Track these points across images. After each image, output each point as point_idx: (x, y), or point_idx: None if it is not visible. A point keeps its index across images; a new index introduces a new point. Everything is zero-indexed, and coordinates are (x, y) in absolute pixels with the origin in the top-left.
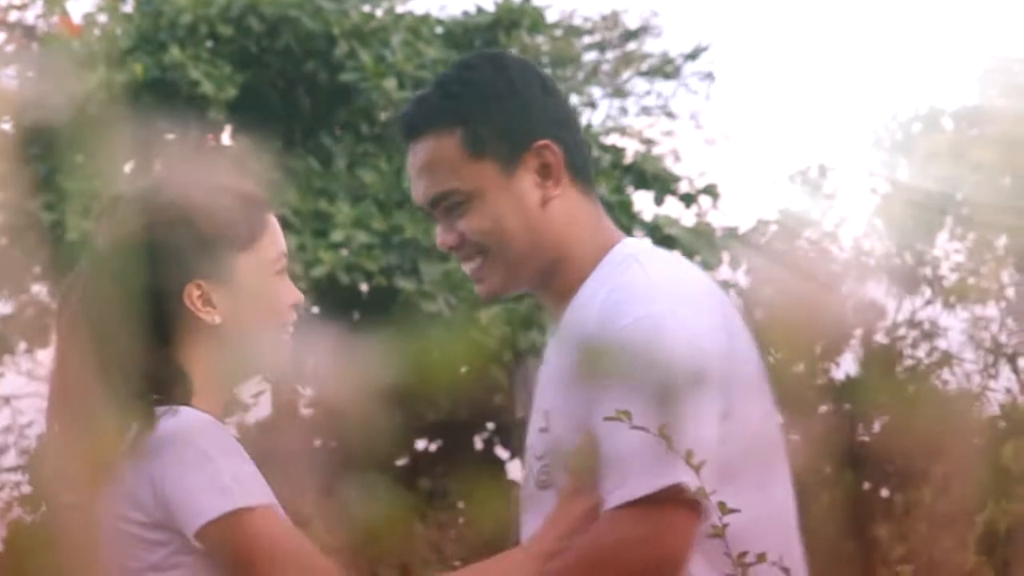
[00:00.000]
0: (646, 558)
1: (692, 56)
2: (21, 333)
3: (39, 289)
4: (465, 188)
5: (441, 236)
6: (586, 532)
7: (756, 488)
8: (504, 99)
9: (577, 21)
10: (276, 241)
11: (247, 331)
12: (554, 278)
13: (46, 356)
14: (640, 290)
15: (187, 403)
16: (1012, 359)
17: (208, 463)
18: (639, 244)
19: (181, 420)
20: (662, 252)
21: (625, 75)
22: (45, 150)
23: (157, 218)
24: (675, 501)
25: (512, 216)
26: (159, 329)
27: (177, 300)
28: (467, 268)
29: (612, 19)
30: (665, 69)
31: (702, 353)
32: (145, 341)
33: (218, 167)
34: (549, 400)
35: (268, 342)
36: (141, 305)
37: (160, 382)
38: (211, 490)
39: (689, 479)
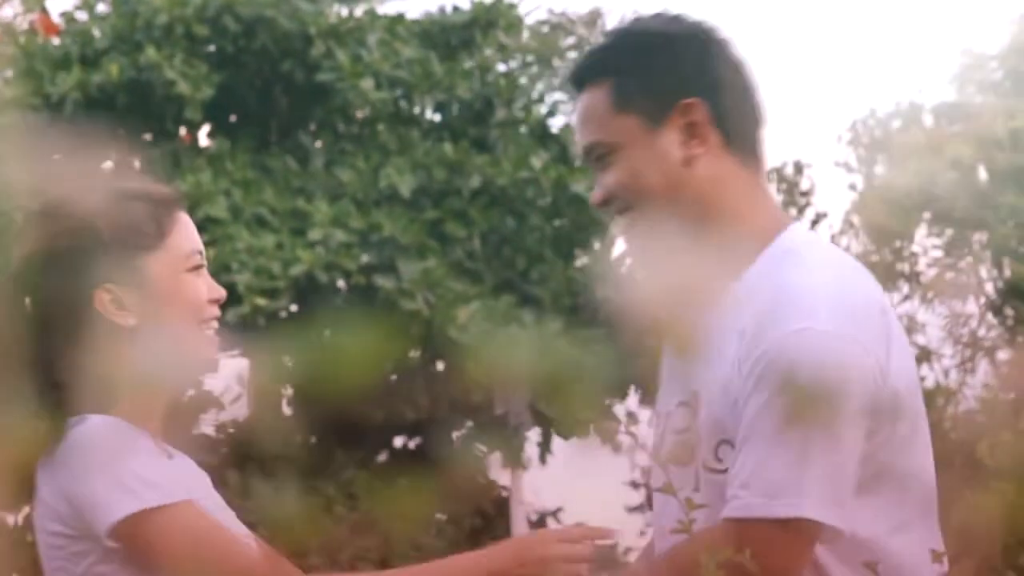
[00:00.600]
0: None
1: None
2: None
3: None
4: (608, 140)
5: (595, 192)
6: (706, 534)
7: (894, 508)
8: (655, 54)
9: (560, 20)
10: (188, 238)
11: (164, 331)
12: (714, 244)
13: None
14: (802, 297)
15: (105, 410)
16: (990, 354)
17: (112, 466)
18: (805, 235)
19: (86, 426)
20: (826, 249)
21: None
22: (20, 150)
23: (60, 227)
24: (806, 531)
25: (652, 171)
26: (74, 337)
27: (88, 306)
28: (617, 223)
29: (592, 17)
30: None
31: (856, 375)
32: (60, 351)
33: (126, 172)
34: (699, 381)
35: (189, 340)
36: (54, 315)
37: (77, 391)
38: (116, 492)
39: (823, 515)
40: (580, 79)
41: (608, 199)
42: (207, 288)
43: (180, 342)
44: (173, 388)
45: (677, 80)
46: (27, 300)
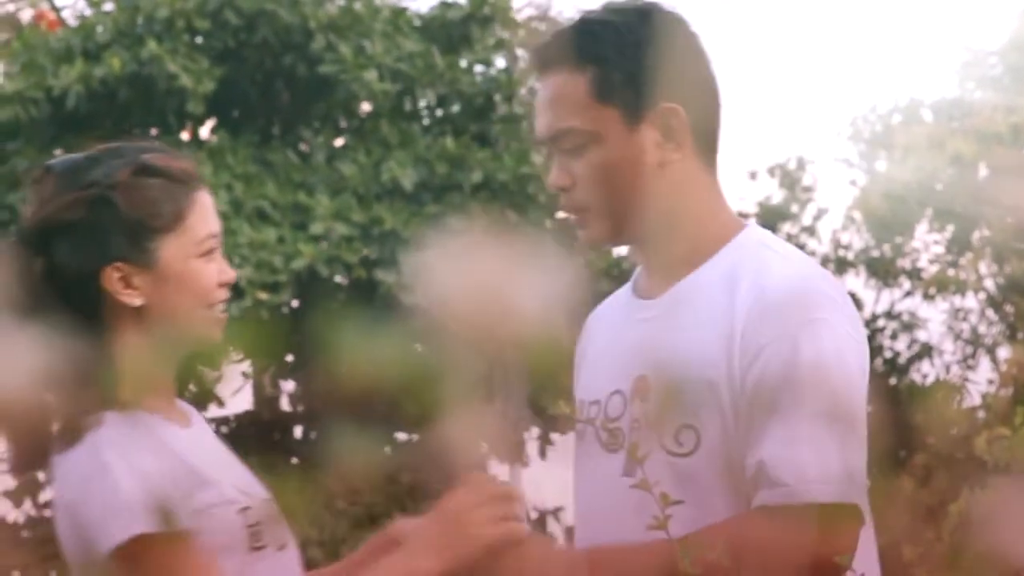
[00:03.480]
0: (820, 560)
1: None
2: None
3: None
4: (586, 128)
5: (554, 175)
6: (751, 521)
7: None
8: (641, 48)
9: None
10: (204, 220)
11: (171, 313)
12: (663, 244)
13: None
14: (806, 288)
15: (111, 392)
16: (991, 350)
17: (116, 485)
18: (766, 233)
19: (97, 438)
20: (791, 247)
21: None
22: (24, 144)
23: (79, 196)
24: (854, 517)
25: (625, 168)
26: (78, 312)
27: (95, 282)
28: (571, 212)
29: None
30: None
31: (864, 365)
32: (65, 324)
33: (148, 146)
34: (647, 366)
35: (196, 323)
36: (59, 286)
37: (81, 367)
38: (117, 513)
39: (863, 501)
40: (549, 61)
41: (570, 187)
42: (218, 271)
43: (185, 324)
44: (170, 371)
45: (662, 80)
46: (34, 265)
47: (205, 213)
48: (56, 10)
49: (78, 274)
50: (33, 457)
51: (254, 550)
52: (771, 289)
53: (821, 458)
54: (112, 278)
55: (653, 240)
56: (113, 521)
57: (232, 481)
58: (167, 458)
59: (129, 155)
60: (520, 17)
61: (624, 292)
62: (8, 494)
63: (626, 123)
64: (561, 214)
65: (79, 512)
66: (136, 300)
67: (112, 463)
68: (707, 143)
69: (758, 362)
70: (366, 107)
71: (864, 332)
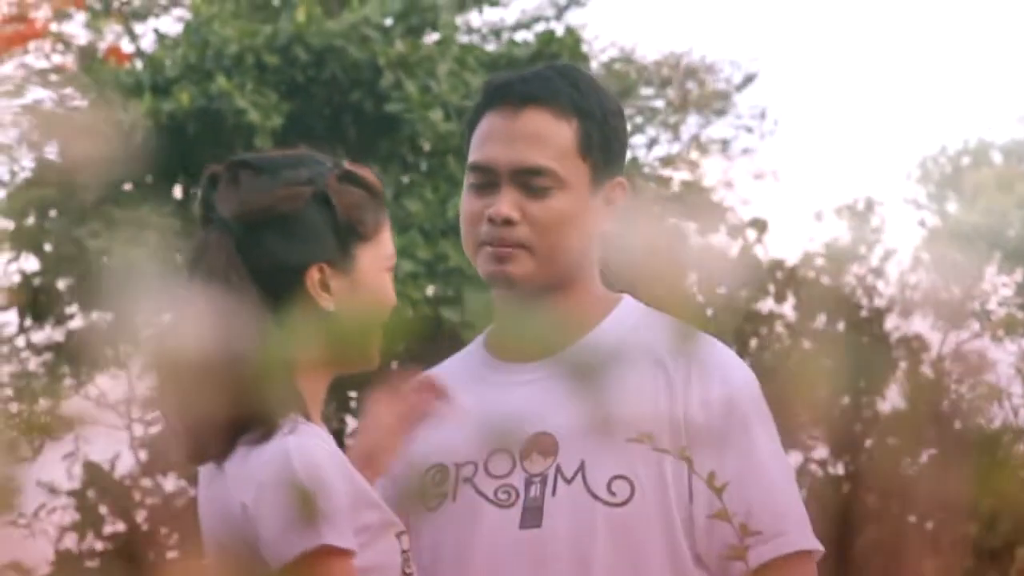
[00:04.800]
0: None
1: (741, 86)
2: (68, 361)
3: (86, 317)
4: (562, 175)
5: (506, 206)
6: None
7: None
8: (614, 117)
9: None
10: (390, 236)
11: (354, 322)
12: (563, 303)
13: (109, 383)
14: (721, 347)
15: (289, 392)
16: None
17: (319, 496)
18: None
19: (290, 448)
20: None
21: (681, 114)
22: (93, 178)
23: (297, 191)
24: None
25: (579, 224)
26: (272, 306)
27: (297, 280)
28: (499, 246)
29: (673, 59)
30: (719, 106)
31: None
32: (256, 316)
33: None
34: (551, 422)
35: (369, 339)
36: (261, 277)
37: (266, 361)
38: (298, 526)
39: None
40: (535, 97)
41: (517, 222)
42: (392, 290)
43: (364, 342)
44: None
45: (621, 153)
46: (237, 255)
47: (389, 229)
48: (136, 44)
49: (284, 268)
50: (211, 448)
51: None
52: (700, 354)
53: (788, 506)
54: (314, 278)
55: (554, 296)
56: (293, 532)
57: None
58: (345, 473)
59: (326, 161)
60: (603, 58)
61: (475, 356)
62: (74, 527)
63: (592, 182)
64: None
65: (255, 516)
66: (331, 304)
67: (301, 473)
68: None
69: (725, 417)
70: (432, 145)
71: None
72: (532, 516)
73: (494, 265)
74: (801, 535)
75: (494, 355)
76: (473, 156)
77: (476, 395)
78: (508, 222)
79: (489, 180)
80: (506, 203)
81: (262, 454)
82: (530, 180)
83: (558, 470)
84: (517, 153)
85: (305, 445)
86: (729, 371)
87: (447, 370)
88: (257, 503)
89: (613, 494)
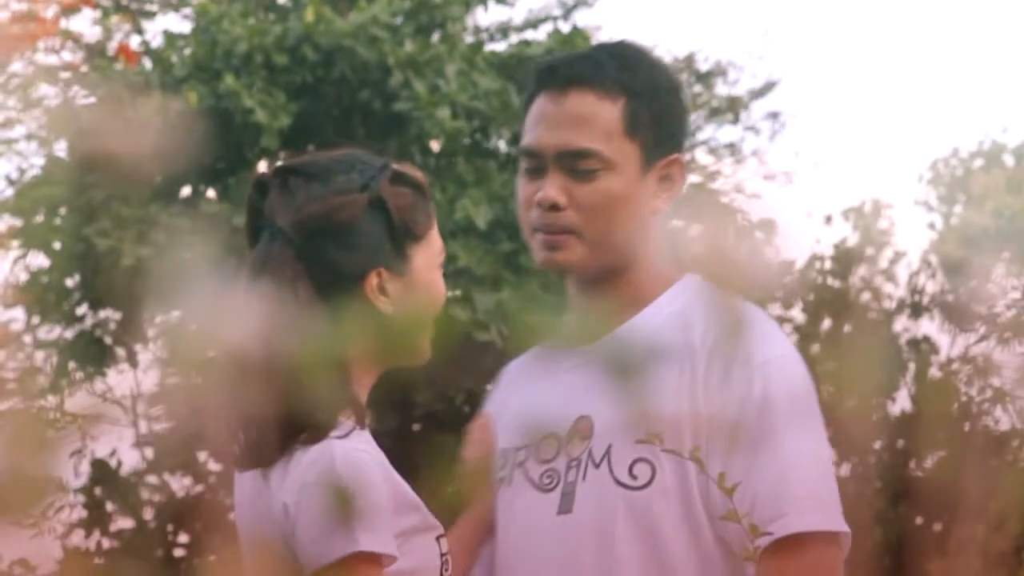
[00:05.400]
0: None
1: (760, 93)
2: (78, 358)
3: (94, 315)
4: (609, 156)
5: (553, 192)
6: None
7: None
8: (667, 94)
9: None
10: (438, 234)
11: (410, 323)
12: (617, 286)
13: (117, 380)
14: (762, 328)
15: (342, 399)
16: None
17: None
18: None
19: (335, 451)
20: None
21: (694, 116)
22: (101, 176)
23: (354, 198)
24: (840, 543)
25: (629, 206)
26: (330, 311)
27: (356, 285)
28: (551, 233)
29: (687, 61)
30: (733, 111)
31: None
32: (312, 321)
33: (377, 155)
34: (591, 407)
35: (422, 334)
36: (321, 285)
37: (324, 370)
38: (336, 530)
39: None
40: (582, 79)
41: (564, 207)
42: (443, 287)
43: (418, 338)
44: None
45: (678, 130)
46: (295, 264)
47: (437, 228)
48: (146, 43)
49: (344, 275)
50: (266, 453)
51: None
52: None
53: (807, 487)
54: (372, 283)
55: (612, 280)
56: (334, 534)
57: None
58: (389, 477)
59: (376, 162)
60: None
61: (538, 350)
62: (81, 524)
63: (642, 162)
64: None
65: (295, 517)
66: (389, 307)
67: (343, 475)
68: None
69: (742, 402)
70: (439, 145)
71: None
72: (567, 501)
73: (545, 252)
74: (799, 517)
75: (552, 346)
76: (523, 141)
77: (538, 380)
78: (555, 207)
79: (538, 164)
80: (552, 188)
81: (308, 455)
82: (576, 163)
83: (589, 454)
84: (561, 136)
85: (350, 449)
86: (768, 368)
87: (519, 359)
88: (298, 504)
89: (635, 478)
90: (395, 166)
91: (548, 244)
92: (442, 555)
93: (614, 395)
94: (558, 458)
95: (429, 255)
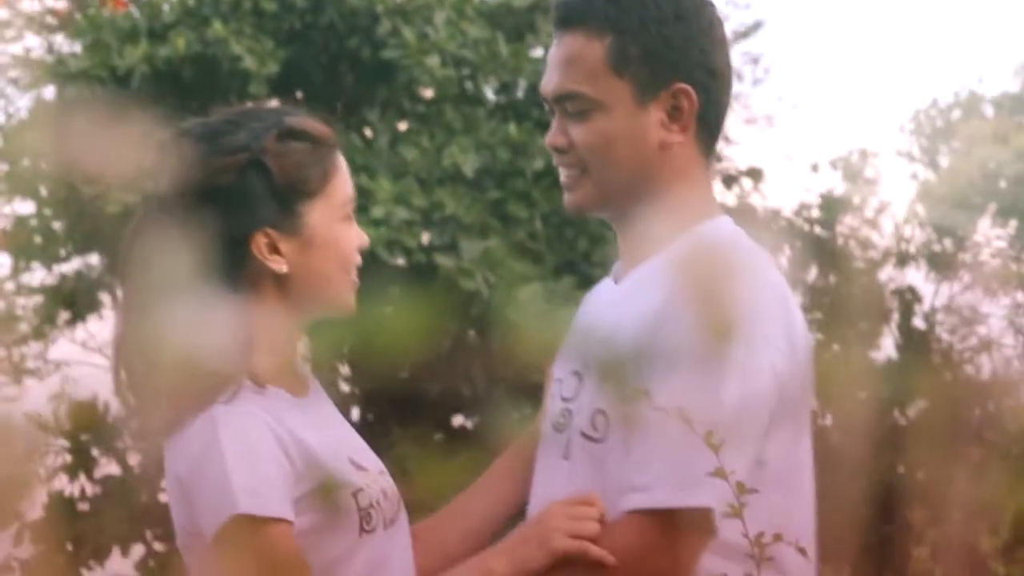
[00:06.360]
0: (659, 568)
1: (744, 35)
2: (63, 304)
3: (80, 261)
4: (594, 97)
5: (552, 135)
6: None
7: (789, 469)
8: (662, 25)
9: None
10: (345, 184)
11: (314, 280)
12: (640, 224)
13: (98, 326)
14: (739, 298)
15: (244, 362)
16: None
17: (225, 468)
18: (727, 229)
19: (218, 417)
20: (748, 248)
21: None
22: (86, 123)
23: (229, 161)
24: (699, 519)
25: (627, 144)
26: (223, 280)
27: (242, 249)
28: (563, 174)
29: None
30: None
31: (766, 383)
32: (204, 291)
33: (284, 109)
34: (590, 352)
35: (336, 290)
36: (206, 253)
37: (220, 336)
38: (224, 494)
39: (716, 501)
40: (569, 20)
41: (566, 148)
42: (356, 236)
43: (325, 291)
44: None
45: (679, 60)
46: (179, 233)
47: (345, 176)
48: None
49: (226, 241)
50: (158, 425)
51: (364, 533)
52: (701, 296)
53: (678, 461)
54: (260, 244)
55: (633, 219)
56: (218, 501)
57: (348, 455)
58: (286, 438)
59: (269, 118)
60: None
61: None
62: (65, 469)
63: (636, 99)
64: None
65: (188, 488)
66: (283, 267)
67: (225, 442)
68: (710, 130)
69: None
70: (430, 92)
71: (794, 343)
72: (569, 447)
73: (565, 195)
74: (673, 495)
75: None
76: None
77: (586, 314)
78: (558, 150)
79: (550, 108)
80: (553, 131)
81: (194, 425)
82: (567, 106)
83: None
84: (553, 81)
85: (234, 413)
86: (721, 294)
87: (600, 283)
88: (189, 475)
89: (595, 429)
90: (289, 121)
91: (565, 186)
92: (360, 509)
93: (596, 338)
94: (576, 398)
95: (328, 209)
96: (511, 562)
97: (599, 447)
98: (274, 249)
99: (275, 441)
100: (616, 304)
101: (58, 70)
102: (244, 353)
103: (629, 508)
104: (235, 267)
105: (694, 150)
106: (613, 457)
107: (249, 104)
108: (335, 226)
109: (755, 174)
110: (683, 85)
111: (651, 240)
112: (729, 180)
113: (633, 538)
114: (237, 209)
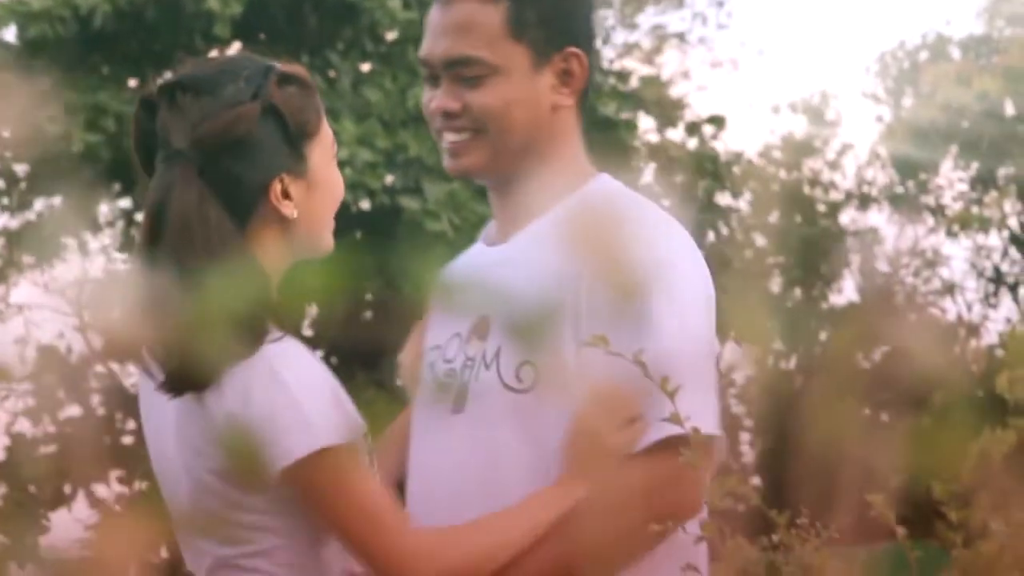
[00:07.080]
0: (673, 500)
1: None
2: (28, 248)
3: (45, 202)
4: (492, 62)
5: (442, 99)
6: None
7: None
8: None
9: None
10: (327, 125)
11: (313, 221)
12: (525, 186)
13: (62, 270)
14: (651, 258)
15: (264, 310)
16: (1013, 288)
17: (293, 397)
18: (617, 185)
19: (271, 355)
20: (632, 195)
21: (638, 3)
22: (50, 62)
23: (241, 111)
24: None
25: (524, 107)
26: (247, 230)
27: (263, 196)
28: (449, 138)
29: None
30: None
31: (710, 299)
32: (234, 242)
33: (256, 56)
34: (488, 307)
35: (325, 231)
36: (227, 203)
37: (242, 287)
38: (296, 428)
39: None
40: None
41: (458, 113)
42: (340, 178)
43: (318, 232)
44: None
45: (571, 24)
46: (196, 182)
47: (325, 119)
48: None
49: (249, 189)
50: (198, 376)
51: None
52: (614, 243)
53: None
54: (277, 190)
55: (518, 180)
56: (296, 436)
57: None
58: (326, 375)
59: (254, 65)
60: None
61: (476, 244)
62: (27, 412)
63: (533, 63)
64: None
65: (250, 421)
66: (293, 212)
67: (289, 379)
68: (587, 93)
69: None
70: (392, 34)
71: (705, 287)
72: (460, 401)
73: (449, 159)
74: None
75: (483, 239)
76: (420, 51)
77: (457, 281)
78: (448, 115)
79: (432, 73)
80: (444, 96)
81: (246, 365)
82: (462, 71)
83: (483, 355)
84: (445, 45)
85: (287, 350)
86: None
87: (461, 255)
88: (247, 410)
89: (520, 380)
90: (279, 66)
91: (451, 151)
92: (368, 453)
93: (507, 295)
94: (458, 358)
95: (323, 150)
96: (588, 480)
97: (525, 397)
98: (287, 194)
99: (329, 374)
100: (506, 263)
101: (19, 9)
102: (273, 297)
103: (644, 445)
104: (248, 214)
105: (575, 112)
106: (545, 406)
107: (215, 52)
108: (330, 166)
109: (717, 121)
110: (574, 49)
111: (539, 201)
112: (693, 127)
113: (650, 471)
114: (258, 158)
